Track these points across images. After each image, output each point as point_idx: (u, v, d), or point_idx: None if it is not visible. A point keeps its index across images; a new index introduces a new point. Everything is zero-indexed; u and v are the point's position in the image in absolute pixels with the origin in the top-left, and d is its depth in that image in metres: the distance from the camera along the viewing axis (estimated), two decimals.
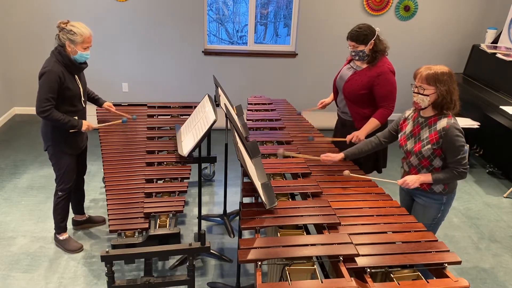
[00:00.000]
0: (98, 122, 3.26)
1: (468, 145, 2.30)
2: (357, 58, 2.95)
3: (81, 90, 2.88)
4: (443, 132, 2.27)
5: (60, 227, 3.08)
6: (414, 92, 2.33)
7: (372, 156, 3.14)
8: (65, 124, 2.76)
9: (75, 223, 3.35)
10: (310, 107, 5.11)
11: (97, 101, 3.24)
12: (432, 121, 2.34)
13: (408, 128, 2.48)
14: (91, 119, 3.11)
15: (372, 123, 2.96)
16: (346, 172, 2.61)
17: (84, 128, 2.89)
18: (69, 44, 2.70)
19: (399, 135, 2.56)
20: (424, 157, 2.36)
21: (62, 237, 3.11)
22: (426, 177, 2.35)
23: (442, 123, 2.28)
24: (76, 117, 2.86)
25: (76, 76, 2.84)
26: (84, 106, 2.95)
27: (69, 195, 3.05)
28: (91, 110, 3.34)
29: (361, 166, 2.94)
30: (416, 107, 2.37)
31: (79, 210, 3.33)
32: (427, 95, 2.27)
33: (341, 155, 2.68)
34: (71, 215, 3.28)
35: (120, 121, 3.26)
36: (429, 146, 2.32)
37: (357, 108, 3.02)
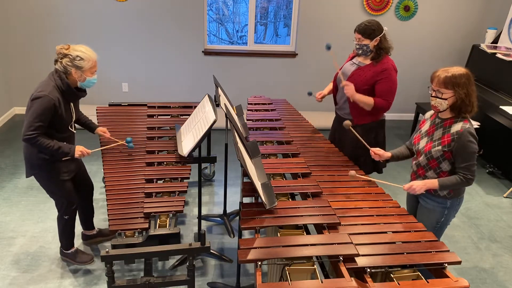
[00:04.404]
0: (101, 143, 2.99)
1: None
2: (360, 52, 2.95)
3: (74, 118, 2.67)
4: (456, 135, 2.24)
5: (67, 245, 2.94)
6: (432, 96, 2.29)
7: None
8: (55, 151, 2.52)
9: (85, 237, 3.17)
10: (310, 107, 5.14)
11: (89, 127, 2.94)
12: (447, 123, 2.31)
13: (425, 127, 2.46)
14: (91, 118, 3.05)
15: (367, 99, 2.91)
16: (352, 172, 2.54)
17: (77, 154, 2.62)
18: (76, 71, 2.50)
19: (415, 133, 2.54)
20: (432, 158, 2.34)
21: (70, 250, 2.96)
22: (433, 183, 2.30)
23: (457, 126, 2.25)
24: (65, 143, 2.61)
25: (71, 104, 2.63)
26: (73, 131, 2.72)
27: (75, 214, 2.88)
28: (91, 109, 3.33)
29: (361, 167, 2.95)
30: (434, 110, 2.35)
31: (88, 225, 3.16)
32: (445, 99, 2.24)
33: (390, 154, 2.63)
34: (78, 227, 3.14)
35: (124, 141, 2.92)
36: (439, 147, 2.30)
37: (357, 104, 3.01)
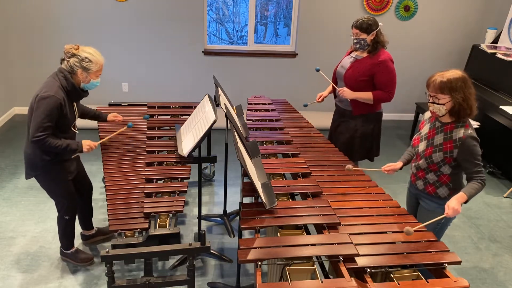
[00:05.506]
0: (100, 137, 3.02)
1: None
2: (358, 46, 3.10)
3: (76, 118, 2.71)
4: (459, 142, 2.22)
5: (67, 245, 2.94)
6: (429, 102, 2.28)
7: (366, 145, 3.29)
8: (63, 149, 2.55)
9: (84, 238, 3.18)
10: (310, 107, 5.12)
11: (99, 117, 3.01)
12: (448, 128, 2.29)
13: (424, 130, 2.44)
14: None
15: (365, 94, 3.11)
16: (408, 229, 2.15)
17: (85, 149, 2.66)
18: (82, 72, 2.53)
19: (415, 135, 2.53)
20: (433, 163, 2.33)
21: (70, 250, 2.96)
22: (463, 198, 2.17)
23: (459, 133, 2.23)
24: (72, 140, 2.66)
25: (74, 103, 2.67)
26: (76, 131, 2.73)
27: (75, 214, 2.90)
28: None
29: (354, 154, 3.22)
30: (434, 116, 2.34)
31: (87, 225, 3.16)
32: (443, 104, 2.22)
33: (400, 163, 2.58)
34: (78, 227, 3.14)
35: (125, 127, 2.96)
36: (441, 153, 2.28)
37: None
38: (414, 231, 2.10)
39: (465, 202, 2.20)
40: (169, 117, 3.56)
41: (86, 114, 2.96)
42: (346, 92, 3.10)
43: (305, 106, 3.51)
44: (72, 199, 2.81)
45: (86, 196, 3.08)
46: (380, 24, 3.05)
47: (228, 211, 3.60)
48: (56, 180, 2.71)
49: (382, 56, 3.05)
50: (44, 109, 2.44)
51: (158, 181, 2.65)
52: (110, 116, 3.06)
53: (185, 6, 5.21)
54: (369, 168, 2.73)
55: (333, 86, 3.34)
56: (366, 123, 3.23)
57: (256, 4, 5.45)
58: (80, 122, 2.83)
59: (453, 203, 2.15)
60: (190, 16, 5.27)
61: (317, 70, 3.39)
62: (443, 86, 2.19)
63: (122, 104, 3.71)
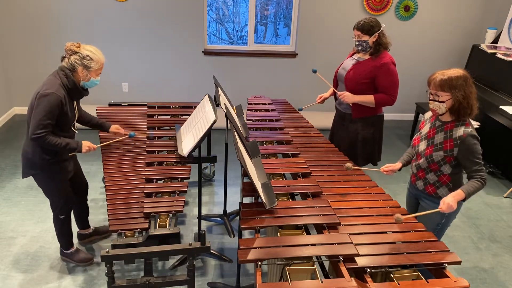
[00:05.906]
0: (100, 138, 3.03)
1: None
2: (360, 48, 3.06)
3: (76, 117, 2.70)
4: (459, 141, 2.22)
5: (66, 244, 2.96)
6: (429, 100, 2.28)
7: (368, 149, 3.24)
8: (63, 148, 2.55)
9: (81, 237, 3.18)
10: (310, 106, 5.11)
11: (102, 126, 2.99)
12: (448, 127, 2.29)
13: (425, 129, 2.44)
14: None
15: (367, 98, 3.04)
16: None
17: (84, 149, 2.66)
18: (83, 70, 2.53)
19: (415, 135, 2.53)
20: (433, 162, 2.32)
21: (70, 250, 2.96)
22: (460, 196, 2.18)
23: (459, 131, 2.23)
24: (72, 139, 2.66)
25: (75, 102, 2.67)
26: (75, 131, 2.72)
27: (70, 213, 2.90)
28: (91, 109, 3.33)
29: (357, 159, 3.14)
30: (434, 114, 2.33)
31: (84, 224, 3.17)
32: (443, 102, 2.22)
33: (399, 164, 2.57)
34: (75, 227, 3.13)
35: (127, 135, 2.97)
36: (441, 152, 2.28)
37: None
38: (405, 220, 2.17)
39: (464, 200, 2.20)
40: (169, 117, 3.56)
41: (88, 121, 2.94)
42: (347, 97, 3.04)
43: (300, 110, 3.50)
44: (68, 198, 2.81)
45: (82, 195, 3.08)
46: (382, 25, 3.01)
47: (228, 211, 3.60)
48: (56, 180, 2.71)
49: (384, 58, 2.99)
50: (45, 106, 2.43)
51: (158, 181, 2.65)
52: (113, 128, 3.00)
53: (185, 6, 5.21)
54: (368, 168, 2.74)
55: (333, 89, 3.31)
56: (367, 127, 3.16)
57: (256, 4, 5.45)
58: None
59: (449, 199, 2.16)
60: (190, 16, 5.27)
61: (314, 72, 3.33)
62: (444, 83, 2.19)
63: (122, 104, 3.71)
